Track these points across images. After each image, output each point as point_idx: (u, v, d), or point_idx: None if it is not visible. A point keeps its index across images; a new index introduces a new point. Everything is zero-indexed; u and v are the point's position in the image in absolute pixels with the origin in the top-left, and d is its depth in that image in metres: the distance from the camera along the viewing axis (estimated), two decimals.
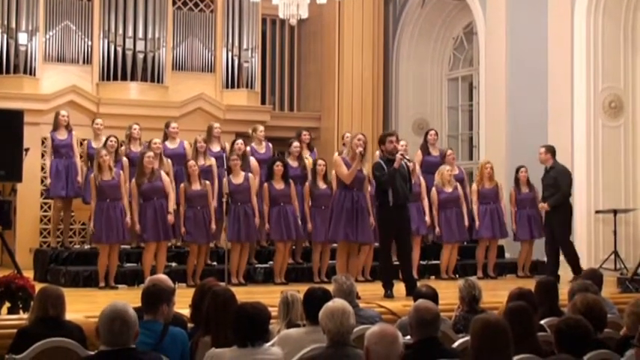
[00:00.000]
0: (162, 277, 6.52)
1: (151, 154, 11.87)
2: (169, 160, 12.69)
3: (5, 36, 14.79)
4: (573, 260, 12.52)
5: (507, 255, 14.49)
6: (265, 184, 12.37)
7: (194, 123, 15.19)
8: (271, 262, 12.58)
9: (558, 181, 12.82)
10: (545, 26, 14.72)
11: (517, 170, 13.63)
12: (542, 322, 6.48)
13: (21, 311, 8.37)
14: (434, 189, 13.15)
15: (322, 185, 12.32)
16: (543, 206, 12.94)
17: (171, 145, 13.13)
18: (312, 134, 14.67)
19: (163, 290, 5.88)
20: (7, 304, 8.49)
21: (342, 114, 17.30)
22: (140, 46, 15.61)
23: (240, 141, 12.85)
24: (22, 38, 14.86)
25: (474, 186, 13.61)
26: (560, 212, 12.75)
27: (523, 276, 13.50)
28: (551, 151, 13.00)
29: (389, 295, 10.45)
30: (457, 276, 12.80)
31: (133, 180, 11.82)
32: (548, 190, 12.90)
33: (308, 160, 13.23)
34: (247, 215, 12.07)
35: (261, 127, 13.81)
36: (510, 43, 15.38)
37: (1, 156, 8.78)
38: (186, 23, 16.41)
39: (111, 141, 12.49)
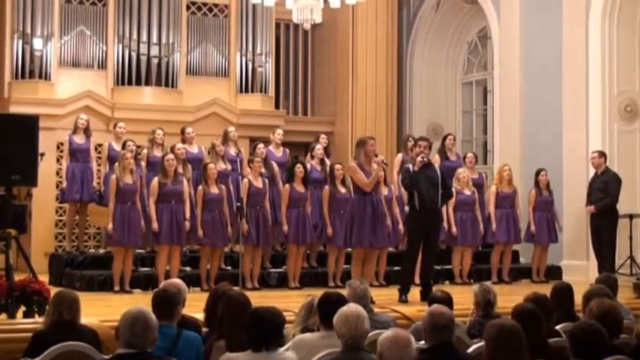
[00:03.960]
0: (175, 281, 6.53)
1: (171, 156, 11.93)
2: (189, 166, 12.71)
3: (21, 41, 14.85)
4: (610, 266, 12.58)
5: (522, 260, 14.46)
6: (286, 186, 12.38)
7: (208, 128, 15.22)
8: (285, 267, 12.59)
9: (609, 186, 12.98)
10: (559, 30, 14.69)
11: (537, 173, 13.63)
12: (557, 327, 6.46)
13: (36, 315, 8.40)
14: (452, 190, 13.11)
15: (342, 189, 12.30)
16: (590, 209, 12.99)
17: (190, 149, 13.17)
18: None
19: (175, 295, 5.89)
20: (23, 308, 8.53)
21: (356, 118, 17.30)
22: (154, 51, 15.65)
23: (261, 145, 12.91)
24: (38, 43, 14.91)
25: (493, 189, 13.59)
26: (607, 217, 12.95)
27: (538, 281, 13.47)
28: (604, 155, 13.15)
29: (403, 299, 10.45)
30: (472, 281, 12.78)
31: (155, 179, 11.84)
32: (596, 194, 13.00)
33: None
34: (265, 219, 12.10)
35: (279, 130, 13.87)
36: (525, 47, 15.35)
37: (17, 160, 8.79)
38: (201, 28, 16.44)
39: (129, 145, 12.53)
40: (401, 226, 12.45)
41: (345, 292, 6.64)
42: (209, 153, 13.41)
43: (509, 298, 9.66)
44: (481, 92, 18.04)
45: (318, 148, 13.19)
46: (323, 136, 13.97)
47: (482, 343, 5.31)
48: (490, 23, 16.33)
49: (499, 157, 15.61)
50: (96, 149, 13.66)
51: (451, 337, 5.26)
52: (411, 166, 10.83)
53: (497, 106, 16.05)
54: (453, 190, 13.01)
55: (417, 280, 11.11)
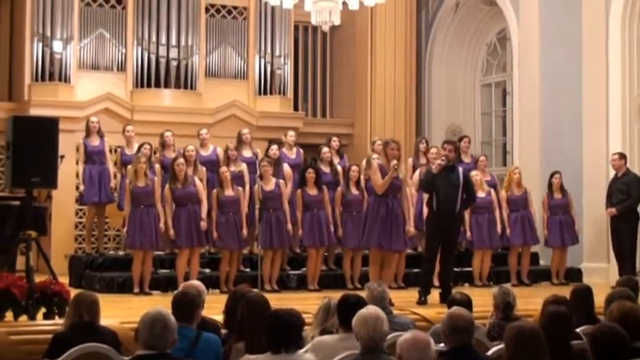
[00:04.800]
0: (195, 283, 6.54)
1: (181, 160, 11.94)
2: (204, 168, 12.73)
3: (40, 44, 14.93)
4: (631, 269, 12.55)
5: (542, 262, 14.41)
6: (299, 191, 12.40)
7: (227, 130, 15.22)
8: (304, 269, 12.59)
9: (630, 188, 12.96)
10: (579, 31, 14.62)
11: (551, 176, 13.57)
12: (577, 329, 6.43)
13: (56, 317, 8.43)
14: (475, 195, 13.06)
15: (355, 191, 12.31)
16: (612, 211, 12.95)
17: (203, 151, 13.19)
18: (342, 141, 14.62)
19: (195, 297, 5.90)
20: (43, 310, 8.56)
21: (374, 120, 17.29)
22: (173, 53, 15.69)
23: (274, 147, 12.93)
24: (57, 46, 14.99)
25: (502, 193, 13.55)
26: (627, 219, 12.93)
27: (558, 283, 13.42)
28: (624, 157, 13.12)
29: (422, 301, 10.44)
30: (491, 283, 12.74)
31: (167, 186, 11.88)
32: (617, 196, 12.97)
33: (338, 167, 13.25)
34: (279, 222, 12.10)
35: (291, 132, 13.86)
36: (544, 49, 15.29)
37: (37, 163, 8.83)
38: (219, 30, 16.48)
39: (145, 148, 12.55)
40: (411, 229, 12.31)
41: (363, 294, 6.64)
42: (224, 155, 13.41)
43: (529, 300, 9.65)
44: (500, 94, 17.99)
45: (325, 152, 13.17)
46: (335, 138, 13.95)
47: (501, 346, 5.30)
48: (509, 25, 16.28)
49: (518, 159, 15.57)
50: (115, 152, 13.67)
51: (470, 339, 5.25)
52: (432, 166, 10.85)
53: (517, 108, 16.00)
54: None
55: (437, 282, 11.10)
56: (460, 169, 10.95)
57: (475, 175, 13.16)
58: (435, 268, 10.99)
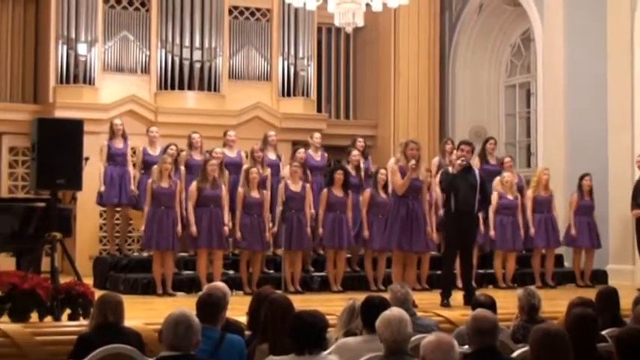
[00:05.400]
0: (219, 284, 6.54)
1: (214, 162, 11.97)
2: (226, 171, 12.75)
3: (65, 47, 15.01)
4: None
5: (567, 264, 14.33)
6: (325, 190, 12.38)
7: (251, 131, 15.25)
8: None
9: None
10: (603, 31, 14.54)
11: (581, 178, 13.50)
12: (603, 332, 6.39)
13: (81, 318, 8.47)
14: (495, 194, 13.02)
15: (383, 194, 12.28)
16: (637, 213, 12.91)
17: (229, 153, 13.22)
18: (367, 142, 14.62)
19: (220, 299, 5.91)
20: (68, 311, 8.60)
21: (398, 122, 17.26)
22: (197, 55, 15.74)
23: (302, 150, 12.92)
24: (82, 49, 15.07)
25: (529, 193, 13.48)
26: None
27: (583, 285, 13.35)
28: None
29: (445, 304, 10.40)
30: (516, 285, 12.68)
31: (194, 183, 11.89)
32: None
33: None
34: (300, 223, 12.10)
35: (317, 134, 13.87)
36: (568, 49, 15.22)
37: (62, 165, 8.86)
38: (243, 32, 16.51)
39: (171, 149, 12.58)
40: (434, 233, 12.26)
41: (387, 295, 6.63)
42: (247, 157, 13.43)
43: (554, 302, 9.59)
44: (524, 95, 17.92)
45: (354, 155, 13.16)
46: (360, 139, 13.94)
47: (526, 348, 5.27)
48: (533, 25, 16.22)
49: (542, 160, 15.50)
50: (134, 153, 13.72)
51: (495, 341, 5.23)
52: (450, 168, 10.80)
53: (541, 109, 15.93)
54: (496, 193, 12.96)
55: (461, 284, 11.07)
56: (476, 170, 10.92)
57: (507, 176, 13.12)
58: (454, 269, 10.96)
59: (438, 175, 12.46)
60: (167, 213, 11.72)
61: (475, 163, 13.52)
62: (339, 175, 12.35)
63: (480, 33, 17.89)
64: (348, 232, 12.35)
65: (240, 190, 12.05)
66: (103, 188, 13.22)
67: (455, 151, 11.57)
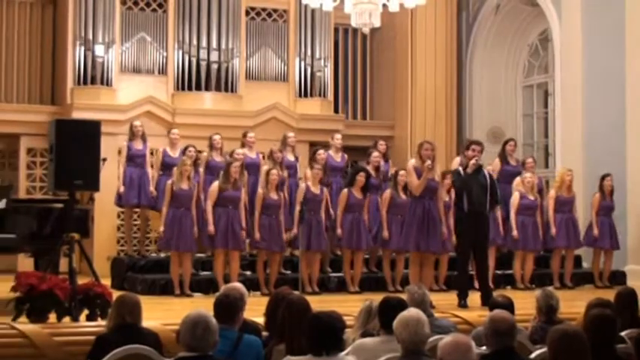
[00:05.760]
0: (237, 285, 6.54)
1: (237, 163, 11.98)
2: (245, 173, 12.76)
3: (83, 48, 15.05)
4: None
5: (585, 265, 14.28)
6: (345, 191, 12.38)
7: (268, 132, 15.26)
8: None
9: None
10: (622, 31, 14.49)
11: (602, 178, 13.45)
12: (622, 333, 6.36)
13: (99, 318, 8.49)
14: (516, 194, 12.99)
15: (403, 195, 12.25)
16: None
17: (250, 153, 13.23)
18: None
19: (237, 299, 5.91)
20: (86, 311, 8.63)
21: (415, 122, 17.23)
22: (214, 56, 15.75)
23: (322, 151, 12.92)
24: (99, 50, 15.11)
25: (552, 193, 13.44)
26: None
27: (602, 286, 13.30)
28: None
29: (462, 304, 10.40)
30: (534, 286, 12.66)
31: (215, 183, 11.91)
32: None
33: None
34: (319, 224, 12.11)
35: (338, 135, 13.89)
36: (586, 49, 15.16)
37: (80, 166, 8.89)
38: (260, 33, 16.52)
39: (189, 151, 12.60)
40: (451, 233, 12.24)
41: (405, 296, 6.62)
42: (264, 158, 13.43)
43: (572, 303, 9.56)
44: (542, 95, 17.87)
45: (375, 156, 13.16)
46: (382, 142, 13.96)
47: (544, 349, 5.25)
48: (551, 25, 16.17)
49: (560, 161, 15.45)
50: (152, 154, 13.74)
51: (513, 342, 5.21)
52: (460, 168, 10.79)
53: (559, 109, 15.88)
54: (517, 193, 12.94)
55: (477, 285, 11.05)
56: (485, 170, 10.90)
57: (529, 177, 13.08)
58: (468, 270, 10.94)
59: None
60: (186, 214, 11.75)
61: (495, 164, 13.54)
62: (361, 178, 12.34)
63: (498, 33, 17.84)
64: (366, 233, 12.35)
65: (260, 191, 12.06)
66: (122, 189, 13.26)
67: (466, 152, 11.56)
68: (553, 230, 13.21)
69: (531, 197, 13.06)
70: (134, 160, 13.26)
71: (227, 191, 11.81)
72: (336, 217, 12.36)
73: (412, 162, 11.36)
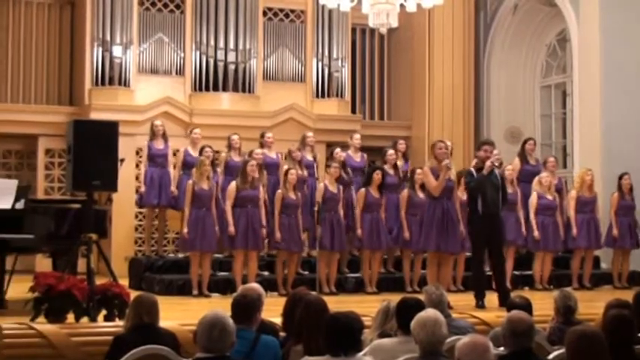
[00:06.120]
0: (254, 286, 6.54)
1: (254, 162, 11.99)
2: (265, 173, 12.78)
3: (100, 49, 15.09)
4: None
5: (603, 265, 14.22)
6: (362, 191, 12.38)
7: (286, 133, 15.26)
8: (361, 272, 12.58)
9: None
10: None
11: (620, 177, 13.40)
12: None
13: (117, 318, 8.51)
14: (534, 194, 12.96)
15: (421, 194, 12.23)
16: None
17: (269, 154, 13.25)
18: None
19: (254, 300, 5.92)
20: (104, 312, 8.64)
21: (432, 123, 17.21)
22: (231, 57, 15.77)
23: (338, 150, 12.92)
24: (117, 51, 15.15)
25: (573, 193, 13.39)
26: None
27: (620, 287, 13.24)
28: None
29: (480, 305, 10.38)
30: (552, 286, 12.62)
31: (233, 183, 11.92)
32: None
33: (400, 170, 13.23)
34: (339, 224, 12.10)
35: (357, 135, 13.89)
36: (605, 49, 15.09)
37: (97, 166, 8.91)
38: (277, 34, 16.53)
39: (206, 151, 12.62)
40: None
41: (422, 297, 6.61)
42: (285, 158, 13.45)
43: (591, 304, 9.52)
44: (560, 95, 17.81)
45: (390, 154, 13.16)
46: (402, 141, 13.99)
47: (562, 350, 5.23)
48: (569, 25, 16.10)
49: (579, 161, 15.39)
50: (174, 154, 13.75)
51: (531, 343, 5.19)
52: (473, 169, 10.76)
53: (577, 110, 15.81)
54: (535, 194, 12.91)
55: (495, 285, 11.02)
56: (496, 170, 10.87)
57: (545, 176, 13.04)
58: (483, 270, 10.91)
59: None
60: (208, 214, 11.77)
61: (515, 163, 13.51)
62: (377, 176, 12.33)
63: (515, 33, 17.79)
64: (385, 233, 12.34)
65: (279, 191, 12.07)
66: (143, 189, 13.30)
67: (477, 153, 11.55)
68: (574, 231, 13.16)
69: (549, 197, 13.02)
70: (155, 159, 13.28)
71: (245, 191, 11.82)
72: (354, 217, 12.35)
73: (427, 164, 11.36)
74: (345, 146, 13.71)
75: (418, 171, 12.41)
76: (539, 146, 17.19)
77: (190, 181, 11.93)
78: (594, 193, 13.42)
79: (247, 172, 11.82)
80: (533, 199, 12.96)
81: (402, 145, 13.80)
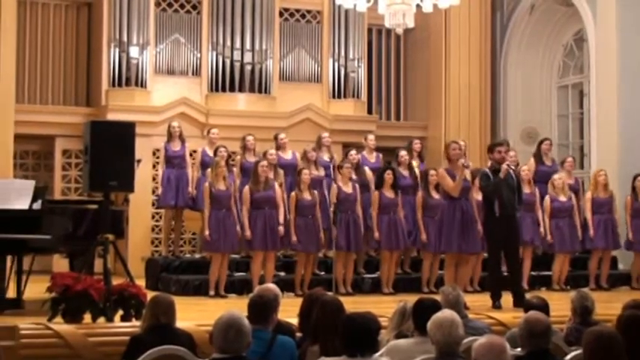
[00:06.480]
0: (270, 286, 6.56)
1: (265, 162, 12.01)
2: (281, 171, 12.80)
3: (117, 50, 15.13)
4: None
5: (621, 266, 14.16)
6: (376, 193, 12.37)
7: (302, 133, 15.27)
8: (379, 272, 12.56)
9: None
10: None
11: (634, 178, 13.34)
12: None
13: (133, 319, 8.53)
14: (547, 197, 12.94)
15: (435, 195, 12.22)
16: None
17: (283, 155, 13.26)
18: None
19: (271, 300, 5.92)
20: (120, 312, 8.67)
21: (449, 123, 17.17)
22: (248, 57, 15.78)
23: (354, 151, 12.92)
24: (134, 52, 15.18)
25: (588, 195, 13.35)
26: None
27: (638, 288, 13.18)
28: None
29: (496, 306, 10.37)
30: (569, 287, 12.58)
31: (246, 187, 11.95)
32: None
33: (417, 170, 13.20)
34: (355, 224, 12.09)
35: (371, 136, 13.89)
36: (622, 49, 15.03)
37: (114, 167, 8.93)
38: (293, 34, 16.54)
39: (221, 151, 12.63)
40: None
41: (439, 297, 6.60)
42: (302, 159, 13.46)
43: (608, 305, 9.47)
44: (577, 95, 17.75)
45: (402, 155, 13.14)
46: (417, 141, 13.98)
47: (579, 351, 5.22)
48: (586, 25, 16.04)
49: (596, 162, 15.32)
50: (191, 155, 13.78)
51: (548, 344, 5.18)
52: (488, 171, 10.72)
53: (594, 110, 15.75)
54: (548, 197, 12.87)
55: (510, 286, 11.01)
56: (512, 171, 10.84)
57: (558, 178, 13.01)
58: (500, 271, 10.90)
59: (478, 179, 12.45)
60: (228, 215, 11.79)
61: (531, 163, 13.49)
62: (388, 176, 12.33)
63: (532, 33, 17.74)
64: (403, 233, 12.32)
65: (293, 193, 12.08)
66: (160, 191, 13.33)
67: (510, 153, 11.52)
68: (591, 232, 13.12)
69: (563, 198, 12.98)
70: (171, 161, 13.30)
71: (259, 192, 11.83)
72: (369, 218, 12.35)
73: (443, 165, 11.36)
74: (360, 147, 13.70)
75: (431, 172, 12.40)
76: (556, 147, 17.16)
77: (207, 183, 11.95)
78: (609, 193, 13.37)
79: (259, 173, 11.83)
80: (546, 202, 12.92)
81: (417, 145, 13.79)
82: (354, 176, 12.38)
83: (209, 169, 12.17)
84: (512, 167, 10.77)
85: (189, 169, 13.34)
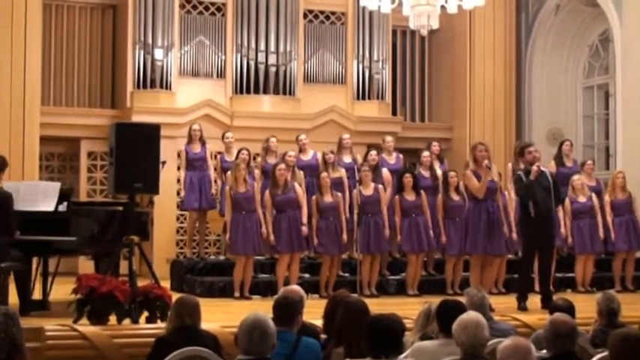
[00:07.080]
0: (294, 287, 6.56)
1: (282, 165, 12.01)
2: (301, 172, 12.81)
3: (142, 52, 15.18)
4: None
5: None
6: (397, 196, 12.36)
7: (326, 135, 15.28)
8: (404, 274, 12.56)
9: None
10: None
11: None
12: None
13: (159, 320, 8.56)
14: (567, 199, 12.89)
15: (455, 197, 12.22)
16: None
17: (303, 156, 13.26)
18: (442, 145, 14.59)
19: (296, 302, 5.92)
20: (146, 314, 8.71)
21: (473, 124, 17.12)
22: (272, 59, 15.79)
23: (373, 152, 12.91)
24: (159, 54, 15.23)
25: (607, 197, 13.30)
26: None
27: None
28: None
29: (522, 307, 10.35)
30: (594, 289, 12.51)
31: (267, 191, 11.97)
32: None
33: (439, 171, 13.18)
34: (377, 226, 12.08)
35: (389, 138, 13.85)
36: None
37: (139, 169, 8.97)
38: (317, 36, 16.54)
39: (243, 154, 12.64)
40: (514, 234, 12.10)
41: (463, 299, 6.58)
42: (321, 162, 13.44)
43: (634, 307, 9.44)
44: (603, 96, 17.65)
45: (425, 155, 13.14)
46: (435, 143, 13.93)
47: (605, 353, 5.19)
48: (612, 26, 15.96)
49: (622, 163, 15.24)
50: (215, 157, 13.79)
51: (573, 346, 5.16)
52: (522, 173, 10.71)
53: (620, 110, 15.67)
54: (567, 199, 12.82)
55: (538, 287, 10.97)
56: (547, 171, 10.81)
57: (577, 179, 12.96)
58: (532, 274, 10.87)
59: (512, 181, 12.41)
60: (249, 217, 11.80)
61: (551, 166, 13.43)
62: (407, 179, 12.33)
63: (557, 34, 17.66)
64: (427, 234, 12.29)
65: (314, 196, 12.09)
66: (183, 194, 13.37)
67: (521, 157, 11.48)
68: (612, 235, 13.07)
69: (582, 199, 12.92)
70: (192, 164, 13.35)
71: (279, 195, 11.85)
72: (390, 220, 12.33)
73: (469, 167, 11.34)
74: (381, 148, 13.68)
75: (451, 174, 12.40)
76: (581, 147, 17.10)
77: (227, 188, 11.99)
78: (628, 193, 13.31)
79: (277, 176, 11.85)
80: (566, 205, 12.87)
81: (435, 147, 13.75)
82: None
83: (229, 172, 12.20)
84: (543, 169, 10.72)
85: (211, 171, 13.37)
